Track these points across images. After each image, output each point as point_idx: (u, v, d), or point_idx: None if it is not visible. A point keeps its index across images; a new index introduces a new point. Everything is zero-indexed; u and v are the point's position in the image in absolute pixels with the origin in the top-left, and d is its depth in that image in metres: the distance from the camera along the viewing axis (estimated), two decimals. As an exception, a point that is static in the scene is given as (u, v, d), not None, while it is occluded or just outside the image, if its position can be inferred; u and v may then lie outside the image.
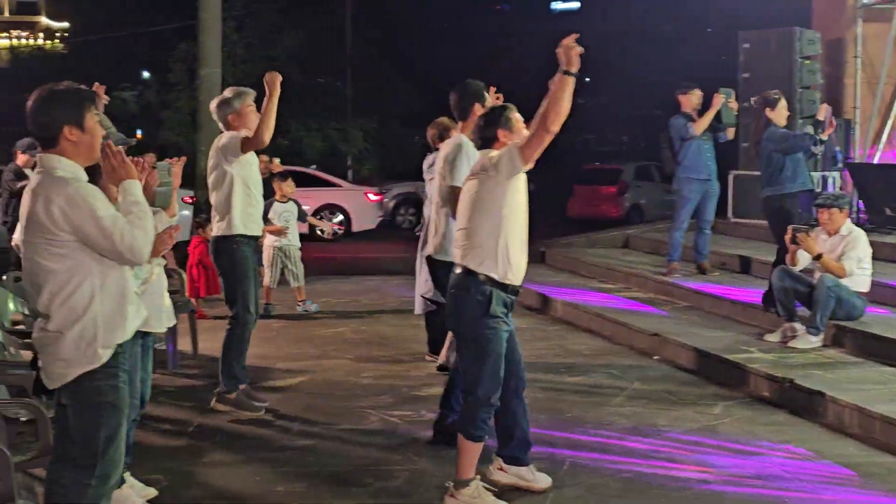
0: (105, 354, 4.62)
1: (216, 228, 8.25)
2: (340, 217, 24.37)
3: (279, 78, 7.93)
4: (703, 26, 45.22)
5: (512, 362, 6.37)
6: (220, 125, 8.20)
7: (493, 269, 6.07)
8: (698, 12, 43.15)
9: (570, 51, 5.83)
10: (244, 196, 8.13)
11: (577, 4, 59.85)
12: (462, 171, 7.29)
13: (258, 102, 8.14)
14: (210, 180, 8.24)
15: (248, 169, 8.17)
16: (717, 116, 12.47)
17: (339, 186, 25.30)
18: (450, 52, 44.35)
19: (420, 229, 10.01)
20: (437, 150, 9.86)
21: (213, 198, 8.22)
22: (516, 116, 6.35)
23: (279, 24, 32.03)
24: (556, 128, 5.83)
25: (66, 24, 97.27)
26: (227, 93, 8.30)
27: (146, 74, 41.23)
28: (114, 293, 4.66)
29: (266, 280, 12.70)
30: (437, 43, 45.91)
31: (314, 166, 28.38)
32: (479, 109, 7.48)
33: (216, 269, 8.55)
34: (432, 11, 47.76)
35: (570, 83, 5.80)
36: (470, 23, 48.97)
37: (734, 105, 12.68)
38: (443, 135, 9.61)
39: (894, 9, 15.52)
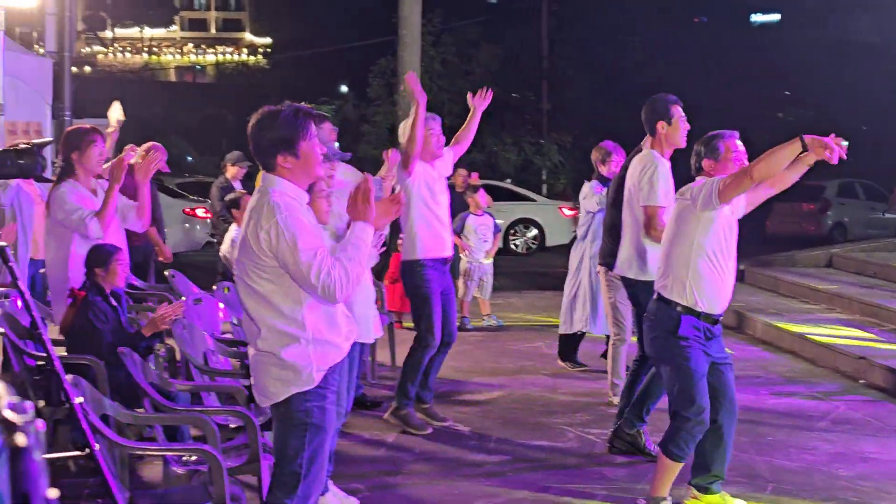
0: (317, 377, 4.65)
1: (402, 252, 8.32)
2: (535, 231, 24.38)
3: (410, 79, 7.98)
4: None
5: (721, 397, 6.22)
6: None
7: (682, 296, 6.03)
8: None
9: (825, 147, 5.73)
10: (423, 220, 8.09)
11: (777, 17, 58.67)
12: (658, 189, 7.22)
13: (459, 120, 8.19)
14: None
15: (428, 188, 8.09)
16: None
17: (534, 201, 25.33)
18: (647, 65, 43.98)
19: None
20: (599, 173, 9.83)
21: (400, 220, 8.26)
22: (728, 145, 6.20)
23: (476, 39, 32.28)
24: (759, 179, 5.83)
25: (268, 40, 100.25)
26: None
27: (344, 89, 42.05)
28: (324, 315, 4.67)
29: (461, 293, 12.77)
30: (634, 56, 45.61)
31: (509, 180, 28.49)
32: (662, 127, 7.38)
33: None
34: (629, 26, 47.47)
35: (795, 151, 5.76)
36: (669, 36, 48.45)
37: None
38: (605, 159, 9.58)
39: None
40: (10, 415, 1.95)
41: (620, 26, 47.16)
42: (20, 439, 1.97)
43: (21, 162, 4.80)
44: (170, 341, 7.54)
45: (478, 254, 12.96)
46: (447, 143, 8.31)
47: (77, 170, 7.29)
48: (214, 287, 9.19)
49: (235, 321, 8.28)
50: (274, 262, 4.55)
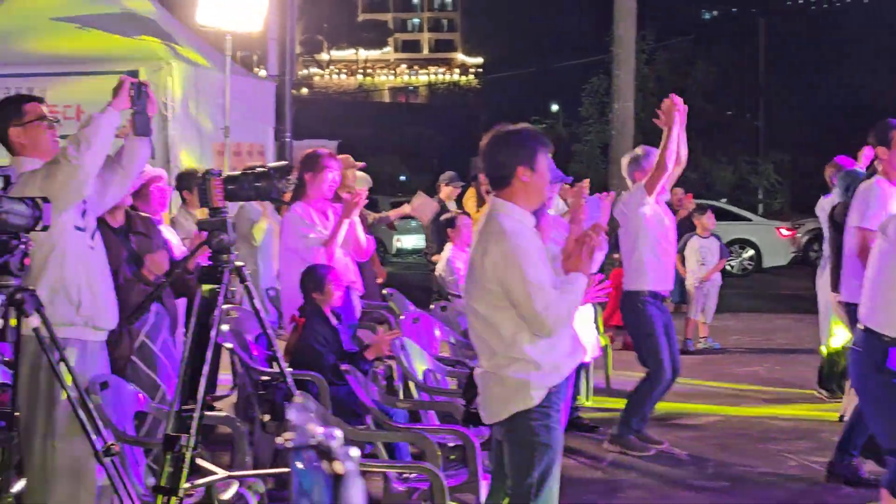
0: (538, 396, 4.62)
1: (625, 283, 8.19)
2: (751, 252, 23.85)
3: (670, 106, 7.65)
4: None
5: None
6: (628, 180, 8.19)
7: (885, 327, 5.60)
8: None
9: None
10: (651, 252, 7.95)
11: None
12: (871, 211, 6.94)
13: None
14: (619, 232, 8.20)
15: (658, 218, 7.97)
16: None
17: (750, 220, 24.79)
18: (866, 82, 42.55)
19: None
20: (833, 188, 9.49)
21: (622, 248, 8.15)
22: None
23: (690, 56, 31.90)
24: None
25: (479, 60, 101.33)
26: (639, 150, 8.25)
27: (555, 108, 42.13)
28: (546, 338, 4.63)
29: (691, 315, 12.61)
30: (853, 73, 44.21)
31: (724, 199, 27.99)
32: (882, 152, 7.08)
33: None
34: (849, 43, 46.05)
35: None
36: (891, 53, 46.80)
37: None
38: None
39: None
40: (327, 442, 1.98)
41: (840, 43, 45.82)
42: (340, 467, 2.01)
43: (258, 185, 4.93)
44: (389, 360, 7.62)
45: (695, 276, 12.71)
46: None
47: (309, 191, 7.48)
48: (432, 306, 9.26)
49: (453, 340, 8.32)
50: (499, 287, 4.55)
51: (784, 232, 24.04)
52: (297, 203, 7.47)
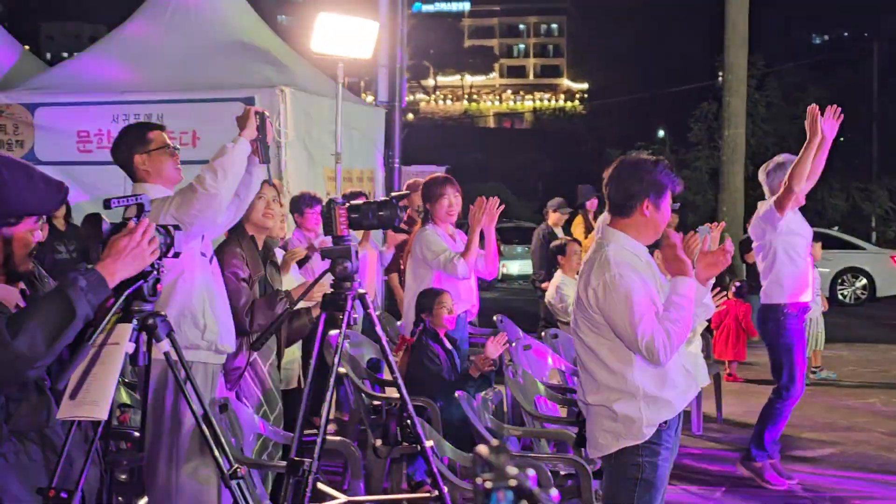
0: (648, 432, 4.55)
1: (763, 296, 8.09)
2: (864, 281, 23.38)
3: (826, 121, 7.50)
4: None
5: None
6: (766, 190, 8.06)
7: None
8: None
9: None
10: (789, 264, 7.89)
11: None
12: None
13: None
14: (754, 246, 8.12)
15: (793, 237, 7.90)
16: None
17: (863, 249, 24.31)
18: None
19: None
20: None
21: (759, 265, 8.06)
22: None
23: (802, 81, 31.46)
24: None
25: (585, 86, 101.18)
26: (780, 158, 8.11)
27: (661, 133, 41.83)
28: (656, 373, 4.57)
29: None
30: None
31: (836, 227, 27.50)
32: None
33: (747, 336, 8.36)
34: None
35: None
36: None
37: None
38: None
39: None
40: (526, 483, 1.98)
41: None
42: None
43: (382, 214, 4.99)
44: (499, 386, 7.62)
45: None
46: None
47: (433, 215, 7.62)
48: (542, 334, 9.24)
49: (564, 368, 8.30)
50: (602, 318, 4.52)
51: (902, 260, 23.50)
52: (429, 223, 7.63)
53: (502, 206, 7.61)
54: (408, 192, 6.16)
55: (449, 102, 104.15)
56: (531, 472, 1.96)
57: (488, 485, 1.95)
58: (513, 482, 1.94)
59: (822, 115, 7.55)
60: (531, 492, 1.95)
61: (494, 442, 2.00)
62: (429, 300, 7.18)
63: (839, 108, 7.62)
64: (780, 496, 7.77)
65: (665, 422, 4.60)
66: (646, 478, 4.57)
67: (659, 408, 4.58)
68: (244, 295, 5.92)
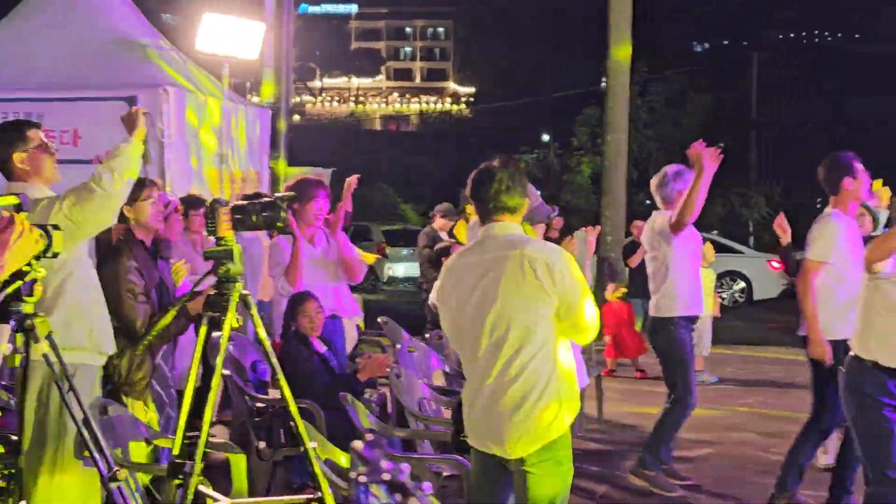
0: (567, 424, 4.59)
1: (652, 308, 8.20)
2: (742, 284, 23.90)
3: (708, 158, 7.62)
4: None
5: None
6: (658, 201, 8.17)
7: (866, 351, 5.84)
8: None
9: None
10: (682, 277, 7.96)
11: None
12: (818, 245, 6.97)
13: None
14: (647, 257, 8.23)
15: (685, 249, 8.00)
16: None
17: (741, 253, 24.85)
18: (865, 116, 42.80)
19: None
20: None
21: (651, 277, 8.15)
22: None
23: (684, 88, 32.05)
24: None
25: (471, 90, 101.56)
26: (669, 171, 8.21)
27: (546, 137, 42.22)
28: (570, 364, 4.64)
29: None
30: (846, 106, 44.50)
31: (715, 232, 28.06)
32: (850, 183, 7.08)
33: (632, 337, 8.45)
34: (841, 72, 46.32)
35: None
36: (881, 81, 47.09)
37: None
38: None
39: None
40: (399, 477, 1.99)
41: (834, 74, 46.08)
42: (415, 502, 2.01)
43: (265, 215, 4.97)
44: (382, 388, 7.64)
45: None
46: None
47: (300, 217, 7.57)
48: (427, 335, 9.27)
49: (448, 370, 8.34)
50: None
51: (775, 265, 24.06)
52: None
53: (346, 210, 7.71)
54: (293, 193, 6.12)
55: (336, 104, 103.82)
56: (405, 465, 1.98)
57: (362, 479, 1.97)
58: (386, 476, 1.97)
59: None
60: (403, 485, 1.98)
61: (369, 437, 2.01)
62: (291, 306, 7.24)
63: (720, 150, 7.79)
64: (661, 496, 7.89)
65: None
66: (566, 469, 4.65)
67: (573, 399, 4.66)
68: (141, 315, 5.80)
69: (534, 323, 4.50)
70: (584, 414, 9.99)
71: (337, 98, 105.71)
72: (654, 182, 8.24)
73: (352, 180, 8.74)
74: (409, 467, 1.98)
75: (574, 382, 4.67)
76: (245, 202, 5.03)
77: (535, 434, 4.54)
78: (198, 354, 4.72)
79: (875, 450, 5.88)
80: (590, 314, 4.57)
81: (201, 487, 4.63)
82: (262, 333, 4.91)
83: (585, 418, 10.03)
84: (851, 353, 6.00)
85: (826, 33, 71.91)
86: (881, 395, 5.83)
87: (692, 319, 8.12)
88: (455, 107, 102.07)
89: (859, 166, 7.15)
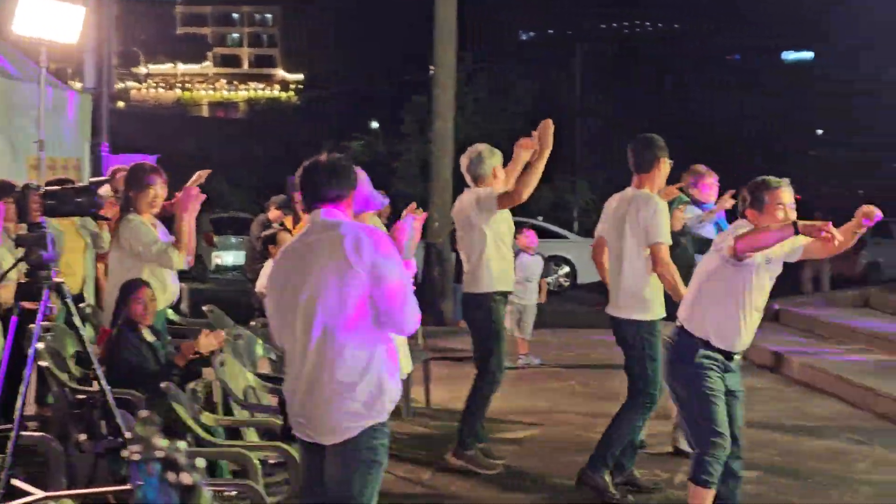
0: (390, 408, 4.64)
1: (467, 285, 8.30)
2: (566, 269, 24.35)
3: (551, 129, 7.81)
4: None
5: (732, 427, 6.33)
6: (469, 178, 8.27)
7: (700, 329, 6.16)
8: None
9: (819, 231, 5.69)
10: (497, 253, 8.12)
11: (810, 54, 58.59)
12: (664, 228, 7.25)
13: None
14: (459, 235, 8.32)
15: (501, 225, 8.14)
16: None
17: (566, 238, 25.31)
18: (679, 101, 44.00)
19: None
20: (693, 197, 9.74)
21: (464, 254, 8.27)
22: (773, 196, 6.12)
23: (510, 77, 32.42)
24: (744, 253, 5.90)
25: (300, 77, 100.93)
26: (482, 149, 8.32)
27: (375, 125, 42.26)
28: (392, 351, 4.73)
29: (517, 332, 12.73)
30: (667, 93, 45.66)
31: (541, 217, 28.51)
32: (664, 163, 7.37)
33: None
34: (664, 63, 47.52)
35: (787, 235, 5.79)
36: (703, 73, 48.51)
37: None
38: (698, 181, 9.43)
39: None
40: (172, 454, 1.98)
41: (655, 65, 47.21)
42: (188, 478, 2.00)
43: (79, 200, 4.86)
44: (207, 376, 7.55)
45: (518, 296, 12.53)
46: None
47: (136, 204, 7.43)
48: (252, 322, 9.21)
49: (274, 357, 8.29)
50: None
51: (599, 249, 24.54)
52: (131, 212, 7.42)
53: (204, 196, 7.57)
54: (108, 178, 6.00)
55: (161, 91, 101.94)
56: (182, 443, 1.99)
57: (136, 456, 1.97)
58: (160, 453, 1.97)
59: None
60: (176, 461, 1.98)
61: (143, 413, 2.01)
62: (125, 293, 7.06)
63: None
64: (486, 477, 8.00)
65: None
66: (379, 460, 4.65)
67: (395, 383, 4.71)
68: None
69: (347, 305, 4.51)
70: (411, 399, 10.09)
71: (163, 84, 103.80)
72: (464, 160, 8.32)
73: (202, 174, 8.58)
74: (184, 444, 1.99)
75: (393, 367, 4.70)
76: (57, 188, 4.92)
77: (349, 420, 4.57)
78: (6, 346, 4.60)
79: (702, 416, 6.16)
80: (401, 297, 4.57)
81: (14, 481, 4.52)
82: (78, 322, 4.81)
83: (412, 403, 10.11)
84: (680, 326, 6.27)
85: (647, 23, 73.71)
86: (708, 366, 6.13)
87: (505, 295, 8.25)
88: (284, 94, 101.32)
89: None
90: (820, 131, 52.20)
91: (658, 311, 7.42)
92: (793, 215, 6.07)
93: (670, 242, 7.31)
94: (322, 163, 4.78)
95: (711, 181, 9.30)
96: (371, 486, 4.65)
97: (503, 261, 8.16)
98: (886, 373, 11.40)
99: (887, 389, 10.45)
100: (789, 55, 59.86)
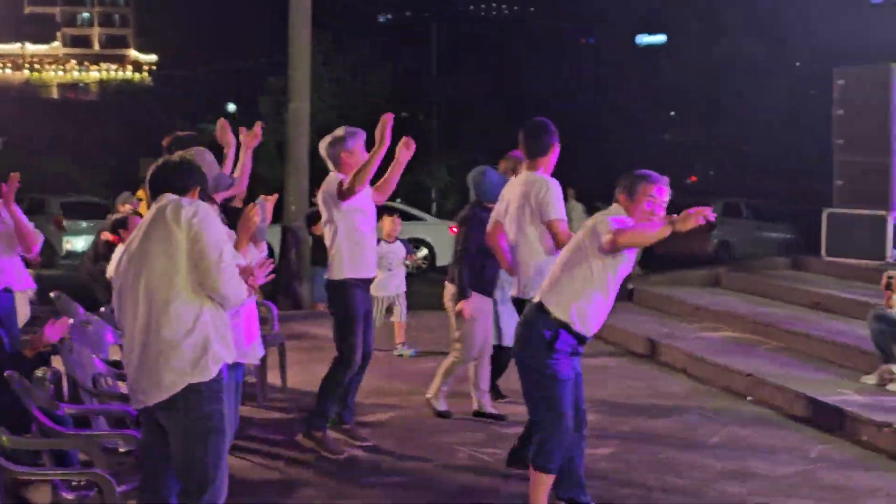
0: (215, 369, 4.86)
1: (327, 270, 8.25)
2: (425, 251, 24.40)
3: (389, 124, 7.83)
4: (793, 60, 44.82)
5: (577, 405, 6.45)
6: (330, 164, 8.21)
7: (563, 313, 6.21)
8: (789, 44, 42.80)
9: (693, 218, 5.90)
10: (348, 240, 8.07)
11: (663, 38, 59.64)
12: (558, 205, 7.35)
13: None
14: (324, 224, 8.24)
15: (355, 214, 8.08)
16: None
17: (424, 220, 25.36)
18: (537, 86, 44.40)
19: None
20: None
21: (326, 239, 8.21)
22: (646, 189, 6.24)
23: (368, 58, 32.32)
24: (624, 247, 6.09)
25: (154, 58, 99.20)
26: (340, 131, 8.27)
27: (231, 107, 41.76)
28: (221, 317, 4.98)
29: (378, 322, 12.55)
30: (523, 77, 46.01)
31: (399, 200, 28.53)
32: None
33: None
34: (520, 48, 47.93)
35: (665, 233, 5.96)
36: (556, 56, 49.02)
37: None
38: (516, 168, 9.54)
39: None
40: None
41: (511, 48, 47.56)
42: None
43: None
44: (57, 364, 7.35)
45: (382, 285, 12.34)
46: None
47: None
48: (102, 309, 9.00)
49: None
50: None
51: (456, 230, 24.64)
52: None
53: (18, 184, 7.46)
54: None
55: (9, 71, 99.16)
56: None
57: None
58: None
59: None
60: None
61: None
62: None
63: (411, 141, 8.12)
64: (342, 461, 7.97)
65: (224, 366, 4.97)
66: (216, 425, 4.88)
67: (222, 346, 4.97)
68: None
69: (170, 267, 4.82)
70: (268, 383, 10.00)
71: (10, 65, 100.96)
72: (322, 143, 8.31)
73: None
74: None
75: (223, 334, 4.97)
76: None
77: (174, 375, 4.81)
78: None
79: (549, 401, 6.23)
80: (217, 266, 4.81)
81: None
82: None
83: (269, 387, 10.02)
84: (538, 305, 6.30)
85: (504, 6, 74.22)
86: (562, 350, 6.21)
87: (365, 281, 8.22)
88: (137, 75, 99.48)
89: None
90: (672, 113, 53.23)
91: None
92: (661, 211, 6.18)
93: (566, 220, 7.42)
94: (170, 163, 5.17)
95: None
96: (214, 454, 4.81)
97: (356, 247, 8.10)
98: (736, 350, 11.68)
99: (737, 366, 10.71)
100: (643, 38, 60.86)
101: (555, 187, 7.44)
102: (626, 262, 6.22)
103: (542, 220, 7.41)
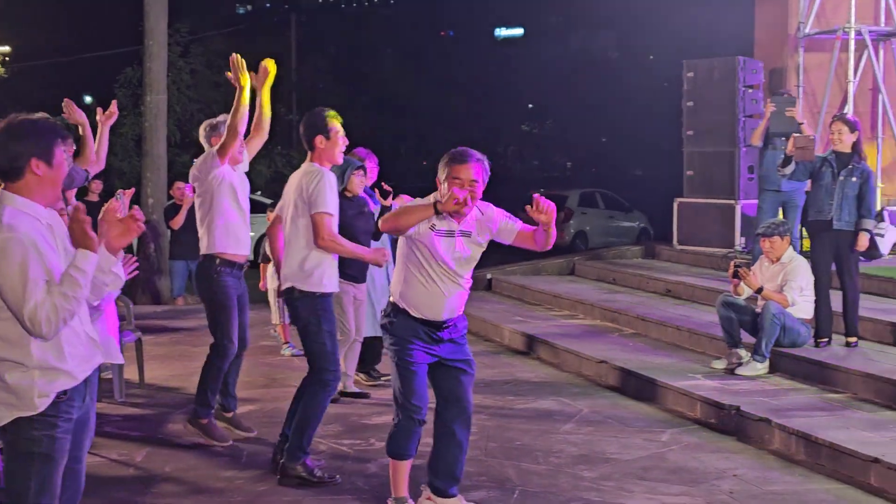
0: (41, 404, 4.42)
1: (201, 245, 8.12)
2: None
3: (241, 73, 7.85)
4: (647, 53, 45.74)
5: (451, 396, 6.53)
6: (206, 146, 8.20)
7: (402, 302, 6.36)
8: (643, 39, 43.66)
9: (455, 199, 6.03)
10: (223, 214, 7.96)
11: (520, 31, 60.28)
12: (330, 197, 7.25)
13: None
14: (196, 203, 8.14)
15: (233, 187, 8.00)
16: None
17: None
18: (397, 77, 44.49)
19: None
20: None
21: (198, 216, 8.10)
22: (451, 170, 6.25)
23: (226, 49, 31.95)
24: (387, 231, 6.54)
25: (6, 48, 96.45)
26: (221, 118, 8.25)
27: (88, 99, 40.90)
28: (54, 343, 4.45)
29: (273, 318, 12.52)
30: (384, 68, 46.06)
31: (259, 192, 28.32)
32: (321, 142, 7.35)
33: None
34: (380, 39, 47.93)
35: (427, 213, 6.16)
36: (416, 48, 49.18)
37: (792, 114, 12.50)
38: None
39: (835, 39, 15.76)
40: None
41: (371, 39, 47.54)
42: None
43: None
44: None
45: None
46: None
47: None
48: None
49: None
50: None
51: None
52: None
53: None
54: None
55: None
56: None
57: None
58: None
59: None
60: None
61: None
62: None
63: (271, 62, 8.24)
64: (201, 456, 7.95)
65: (65, 392, 4.48)
66: (43, 451, 4.44)
67: (54, 378, 4.45)
68: None
69: None
70: (126, 379, 9.89)
71: None
72: (202, 130, 8.36)
73: None
74: None
75: (54, 365, 4.47)
76: None
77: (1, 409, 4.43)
78: None
79: (398, 388, 6.33)
80: (15, 294, 4.30)
81: None
82: None
83: (126, 383, 9.91)
84: (391, 299, 6.44)
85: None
86: (408, 337, 6.31)
87: (237, 266, 8.12)
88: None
89: (336, 127, 7.44)
90: (531, 105, 53.82)
91: (329, 285, 7.39)
92: (476, 190, 6.21)
93: (334, 214, 7.27)
94: None
95: (372, 165, 9.84)
96: (37, 479, 4.44)
97: (232, 224, 7.98)
98: (590, 337, 11.94)
99: (590, 353, 10.95)
100: (501, 31, 61.38)
101: (328, 179, 7.28)
102: (449, 248, 6.21)
103: (309, 213, 7.27)
